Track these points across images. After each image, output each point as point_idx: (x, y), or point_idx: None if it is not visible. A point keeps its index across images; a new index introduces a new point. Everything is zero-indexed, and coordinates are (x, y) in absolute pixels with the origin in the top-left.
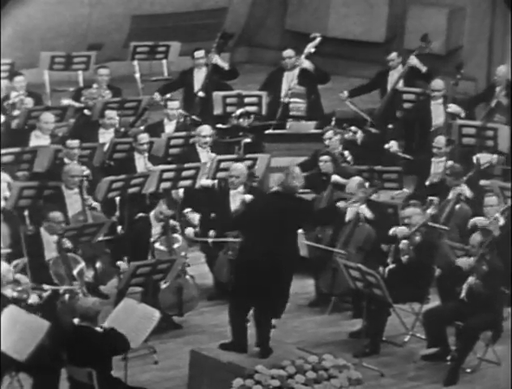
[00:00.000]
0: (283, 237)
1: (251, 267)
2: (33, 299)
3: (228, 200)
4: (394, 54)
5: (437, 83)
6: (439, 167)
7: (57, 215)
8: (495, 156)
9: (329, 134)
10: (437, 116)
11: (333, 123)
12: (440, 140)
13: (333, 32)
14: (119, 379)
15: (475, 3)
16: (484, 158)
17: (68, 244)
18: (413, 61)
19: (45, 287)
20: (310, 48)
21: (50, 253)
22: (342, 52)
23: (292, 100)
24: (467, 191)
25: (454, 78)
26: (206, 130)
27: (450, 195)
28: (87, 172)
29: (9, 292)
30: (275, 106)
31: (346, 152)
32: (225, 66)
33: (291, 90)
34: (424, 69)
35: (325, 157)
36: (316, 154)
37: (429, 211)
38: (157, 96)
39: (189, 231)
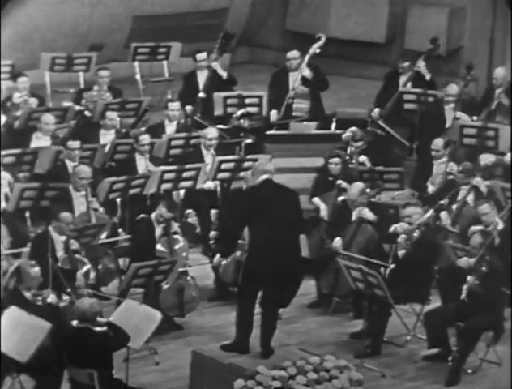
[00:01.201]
0: (284, 224)
1: (260, 255)
2: (51, 299)
3: None
4: (407, 63)
5: (452, 88)
6: (440, 168)
7: (67, 215)
8: (505, 157)
9: (360, 143)
10: (449, 120)
11: (334, 124)
12: (438, 143)
13: (333, 32)
14: (120, 380)
15: (475, 3)
16: (485, 158)
17: (75, 245)
18: (420, 65)
19: (64, 297)
20: (315, 48)
21: (58, 252)
22: (342, 52)
23: (295, 101)
24: (482, 184)
25: (464, 79)
26: (212, 132)
27: (459, 196)
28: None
29: (28, 293)
30: (280, 106)
31: (364, 158)
32: (224, 74)
33: (294, 90)
34: (428, 76)
35: (335, 159)
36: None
37: (431, 211)
38: (189, 109)
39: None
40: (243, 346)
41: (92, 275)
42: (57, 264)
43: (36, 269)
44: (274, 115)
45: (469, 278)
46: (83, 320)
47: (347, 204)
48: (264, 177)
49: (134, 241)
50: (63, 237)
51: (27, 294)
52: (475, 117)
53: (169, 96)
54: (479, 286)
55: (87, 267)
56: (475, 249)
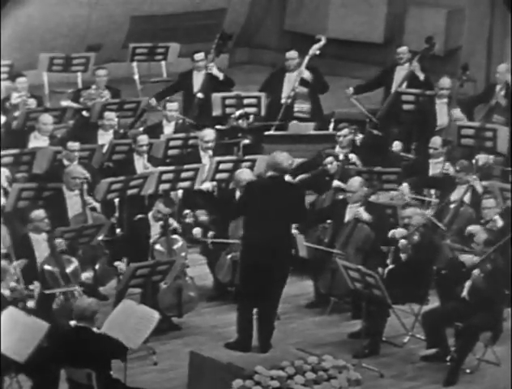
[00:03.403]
0: (282, 221)
1: (255, 255)
2: (30, 303)
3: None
4: (404, 48)
5: (445, 82)
6: (437, 168)
7: (37, 213)
8: (491, 157)
9: (345, 131)
10: (442, 116)
11: (332, 124)
12: (436, 141)
13: (332, 33)
14: (118, 380)
15: (474, 4)
16: (482, 159)
17: (63, 246)
18: (415, 67)
19: (31, 287)
20: (315, 50)
21: (42, 253)
22: (341, 52)
23: (296, 101)
24: (478, 185)
25: (460, 79)
26: (209, 135)
27: (456, 196)
28: (85, 173)
29: (7, 292)
30: (275, 107)
31: (353, 156)
32: (220, 75)
33: (294, 91)
34: (422, 77)
35: (329, 159)
36: (320, 155)
37: (428, 211)
38: (153, 102)
39: (197, 231)
40: (246, 345)
41: (90, 275)
42: (37, 267)
43: (16, 270)
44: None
45: (475, 271)
46: (81, 319)
47: (345, 203)
48: (270, 173)
49: (129, 241)
50: (44, 235)
51: (6, 292)
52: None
53: (168, 97)
54: (483, 282)
55: (75, 265)
56: (479, 245)
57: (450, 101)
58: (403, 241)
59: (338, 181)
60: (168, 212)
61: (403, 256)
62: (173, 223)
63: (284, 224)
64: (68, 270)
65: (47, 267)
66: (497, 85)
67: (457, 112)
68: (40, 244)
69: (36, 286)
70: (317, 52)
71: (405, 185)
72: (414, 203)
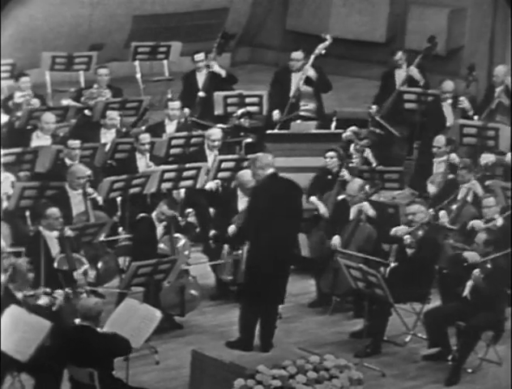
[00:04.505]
0: (289, 221)
1: (262, 254)
2: (43, 300)
3: (236, 201)
4: (399, 54)
5: (448, 85)
6: (440, 167)
7: (54, 211)
8: (509, 155)
9: (366, 141)
10: (448, 117)
11: (334, 123)
12: (440, 139)
13: (334, 32)
14: (120, 379)
15: (476, 3)
16: (486, 158)
17: (69, 232)
18: (413, 71)
19: (56, 294)
20: (321, 49)
21: (54, 250)
22: (343, 52)
23: (302, 101)
24: (478, 188)
25: (466, 79)
26: (215, 134)
27: (459, 195)
28: (88, 172)
29: (19, 294)
30: (284, 106)
31: (368, 152)
32: (222, 73)
33: (299, 90)
34: (422, 82)
35: (330, 153)
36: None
37: (432, 210)
38: (187, 112)
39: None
40: (248, 344)
41: (92, 273)
42: (54, 264)
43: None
44: (276, 115)
45: (475, 271)
46: (86, 318)
47: (347, 203)
48: (270, 171)
49: (135, 240)
50: (55, 233)
51: (19, 295)
52: (476, 117)
53: (169, 95)
54: (483, 282)
55: (86, 266)
56: (479, 246)
57: (454, 102)
58: (407, 237)
59: (346, 174)
60: (172, 215)
61: (409, 251)
62: (179, 220)
63: (292, 223)
64: (79, 271)
65: (59, 266)
66: (496, 87)
67: (465, 102)
68: (53, 241)
69: (59, 294)
70: (323, 51)
71: (407, 190)
72: (419, 200)
